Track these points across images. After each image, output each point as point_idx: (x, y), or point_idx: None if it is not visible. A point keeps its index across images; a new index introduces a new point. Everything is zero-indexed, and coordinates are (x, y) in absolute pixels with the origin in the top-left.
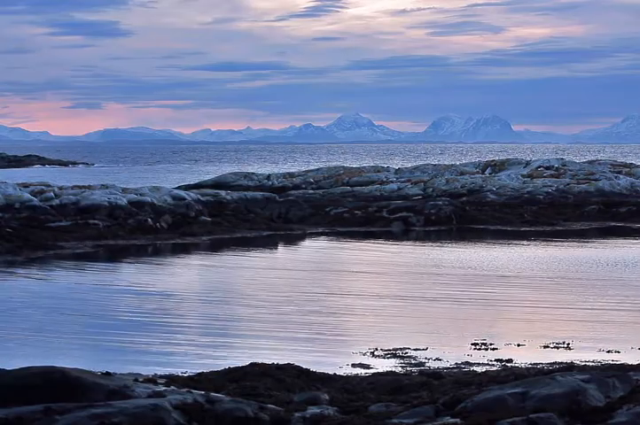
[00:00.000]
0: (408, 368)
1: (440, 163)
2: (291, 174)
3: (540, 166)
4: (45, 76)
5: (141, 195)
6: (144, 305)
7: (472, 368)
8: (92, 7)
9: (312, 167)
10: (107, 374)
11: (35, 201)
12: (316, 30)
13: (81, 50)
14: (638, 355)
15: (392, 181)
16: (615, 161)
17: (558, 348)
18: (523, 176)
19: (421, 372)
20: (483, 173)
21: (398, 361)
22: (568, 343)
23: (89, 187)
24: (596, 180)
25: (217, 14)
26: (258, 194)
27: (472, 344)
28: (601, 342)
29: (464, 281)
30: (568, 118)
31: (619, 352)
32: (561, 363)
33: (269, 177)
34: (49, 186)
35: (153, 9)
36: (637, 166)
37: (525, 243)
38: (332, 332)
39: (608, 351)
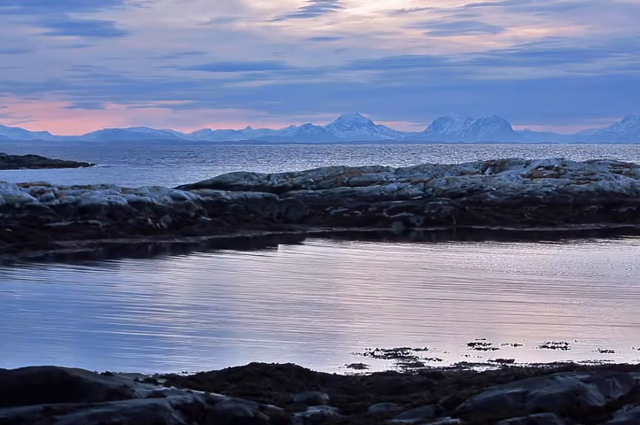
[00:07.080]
0: (408, 368)
1: (440, 163)
2: (291, 174)
3: (540, 166)
4: (44, 76)
5: (141, 195)
6: (143, 304)
7: (471, 368)
8: (86, 7)
9: (312, 167)
10: (107, 374)
11: (35, 201)
12: (313, 30)
13: (79, 50)
14: (636, 355)
15: (392, 181)
16: (615, 161)
17: (554, 348)
18: (523, 176)
19: (421, 372)
20: (483, 173)
21: (398, 361)
22: (566, 344)
23: (88, 187)
24: (596, 180)
25: (215, 14)
26: (258, 194)
27: (470, 344)
28: (599, 342)
29: (463, 281)
30: (568, 118)
31: (615, 353)
32: (561, 363)
33: (269, 177)
34: (49, 186)
35: (149, 9)
36: (637, 166)
37: (525, 243)
38: (332, 332)
39: (605, 352)
